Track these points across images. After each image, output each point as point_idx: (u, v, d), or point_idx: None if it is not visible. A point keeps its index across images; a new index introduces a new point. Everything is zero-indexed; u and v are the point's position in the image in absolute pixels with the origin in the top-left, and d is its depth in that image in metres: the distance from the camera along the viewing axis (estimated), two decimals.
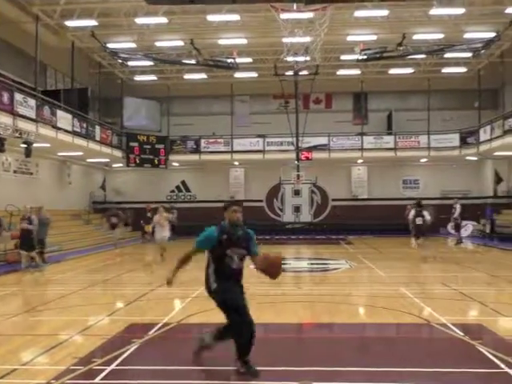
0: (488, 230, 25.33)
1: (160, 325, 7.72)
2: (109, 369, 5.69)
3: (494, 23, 22.25)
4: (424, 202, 29.23)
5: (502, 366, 5.66)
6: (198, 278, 13.09)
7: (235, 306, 5.65)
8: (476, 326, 7.83)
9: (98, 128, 25.13)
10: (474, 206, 26.81)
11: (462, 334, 7.05)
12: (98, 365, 5.82)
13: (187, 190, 32.40)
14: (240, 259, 5.74)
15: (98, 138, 24.78)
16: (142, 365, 6.00)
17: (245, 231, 5.80)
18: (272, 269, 5.81)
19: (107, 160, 28.34)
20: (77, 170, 28.30)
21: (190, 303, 9.70)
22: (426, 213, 17.43)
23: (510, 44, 25.18)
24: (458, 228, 23.85)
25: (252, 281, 12.87)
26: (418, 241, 17.62)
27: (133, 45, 24.69)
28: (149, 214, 24.45)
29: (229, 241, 5.62)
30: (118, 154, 27.77)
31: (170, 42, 24.70)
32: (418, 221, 17.07)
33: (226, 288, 5.68)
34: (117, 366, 5.83)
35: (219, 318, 8.46)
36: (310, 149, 27.76)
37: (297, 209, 31.88)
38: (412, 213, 17.68)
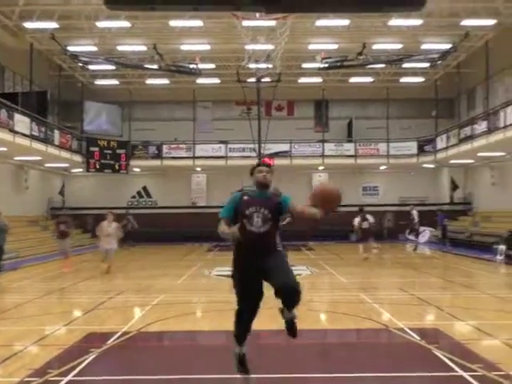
0: (440, 236, 26.03)
1: (119, 334, 7.59)
2: (65, 380, 5.55)
3: (451, 35, 22.97)
4: (383, 208, 29.97)
5: (457, 369, 5.80)
6: (155, 285, 13.02)
7: (239, 295, 5.26)
8: (432, 331, 8.00)
9: (57, 132, 24.61)
10: (431, 213, 27.44)
11: (418, 338, 7.20)
12: (54, 376, 5.66)
13: (148, 195, 32.06)
14: (263, 221, 4.95)
15: (57, 143, 24.25)
16: (100, 375, 5.88)
17: (275, 193, 5.12)
18: (328, 204, 4.99)
19: (66, 165, 27.77)
20: (34, 175, 27.60)
21: (149, 311, 9.58)
22: (369, 216, 18.82)
23: (466, 55, 26.06)
24: (416, 234, 24.44)
25: (209, 288, 12.88)
26: (374, 245, 19.16)
27: (94, 48, 24.34)
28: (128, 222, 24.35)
29: (250, 200, 5.03)
30: (78, 158, 27.25)
31: (132, 47, 24.49)
32: (364, 225, 18.38)
33: (237, 276, 5.18)
34: (74, 376, 5.69)
35: (180, 325, 8.43)
36: (272, 155, 27.90)
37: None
38: (357, 219, 18.79)
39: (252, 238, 4.94)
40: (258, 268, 4.98)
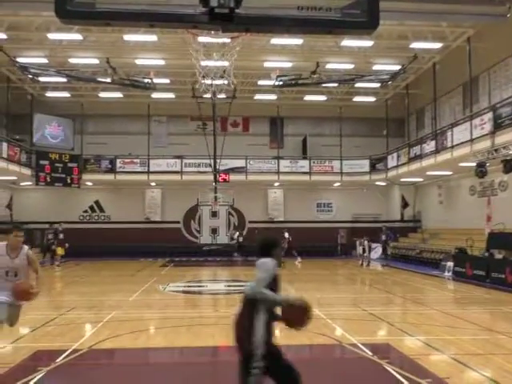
0: (381, 252, 26.85)
1: (69, 351, 7.37)
2: None
3: (400, 57, 23.78)
4: (337, 224, 30.81)
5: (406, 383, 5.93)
6: (107, 301, 12.72)
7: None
8: (384, 346, 8.15)
9: (5, 144, 23.85)
10: (379, 229, 28.01)
11: (370, 353, 7.32)
12: None
13: (101, 210, 31.45)
14: None
15: (4, 155, 23.50)
16: None
17: None
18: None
19: (14, 178, 26.93)
20: None
21: (101, 328, 9.35)
22: (286, 233, 23.66)
23: (415, 77, 27.00)
24: (368, 250, 25.32)
25: (163, 304, 12.71)
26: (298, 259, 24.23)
27: (45, 60, 23.82)
28: (61, 236, 23.64)
29: None
30: (27, 171, 26.46)
31: (85, 60, 24.10)
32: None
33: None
34: None
35: (133, 342, 8.27)
36: (228, 171, 27.95)
37: (214, 230, 31.86)
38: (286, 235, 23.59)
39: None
40: None
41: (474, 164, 18.46)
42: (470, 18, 17.34)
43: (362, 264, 24.55)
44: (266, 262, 4.24)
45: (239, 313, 4.29)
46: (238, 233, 29.91)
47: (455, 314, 10.88)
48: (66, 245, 23.59)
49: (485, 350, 7.62)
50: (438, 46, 22.64)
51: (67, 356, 7.15)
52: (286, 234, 24.33)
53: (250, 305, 4.20)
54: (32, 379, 6.05)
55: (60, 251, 23.36)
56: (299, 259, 24.78)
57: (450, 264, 19.43)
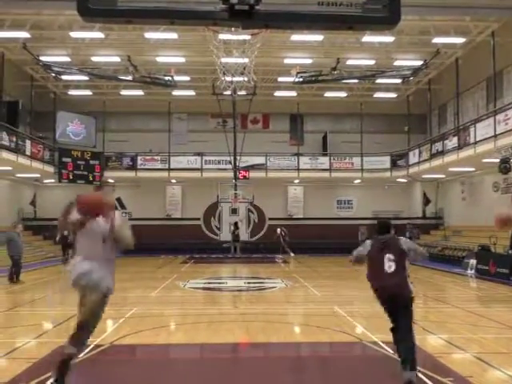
0: None
1: (91, 346, 7.45)
2: None
3: (422, 52, 23.50)
4: (357, 221, 30.67)
5: (429, 383, 5.86)
6: (128, 298, 12.87)
7: None
8: None
9: (28, 142, 24.23)
10: (403, 226, 27.77)
11: (391, 352, 7.25)
12: None
13: (122, 207, 31.72)
14: None
15: (28, 153, 23.87)
16: None
17: None
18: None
19: (38, 175, 27.35)
20: (4, 186, 27.07)
21: (123, 324, 9.44)
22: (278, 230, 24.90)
23: (437, 72, 26.65)
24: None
25: (183, 301, 12.79)
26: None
27: (67, 58, 24.14)
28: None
29: None
30: (50, 169, 26.84)
31: (107, 58, 24.35)
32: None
33: None
34: None
35: (153, 339, 8.34)
36: (248, 168, 27.99)
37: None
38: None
39: None
40: None
41: (498, 160, 18.17)
42: (494, 11, 17.10)
43: None
44: (408, 241, 6.29)
45: (396, 270, 5.89)
46: (282, 229, 28.61)
47: (478, 312, 10.74)
48: None
49: (508, 349, 7.50)
50: (461, 41, 22.29)
51: (89, 351, 7.22)
52: (278, 230, 24.88)
53: (405, 264, 5.95)
54: None
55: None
56: (292, 255, 26.28)
57: (473, 262, 19.15)
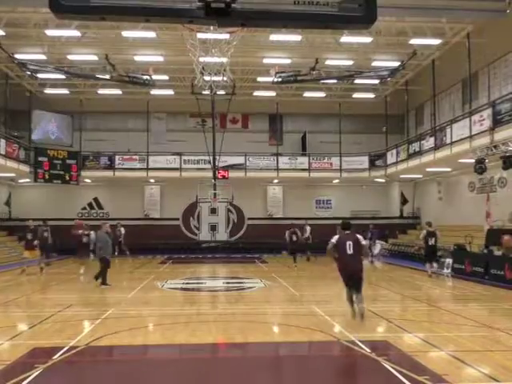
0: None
1: (66, 348, 7.35)
2: None
3: (399, 53, 23.70)
4: (336, 221, 30.35)
5: (405, 381, 5.90)
6: (105, 299, 12.71)
7: None
8: (382, 343, 8.11)
9: (3, 141, 23.79)
10: (381, 226, 28.01)
11: (369, 350, 7.30)
12: None
13: (100, 207, 31.42)
14: None
15: (3, 152, 23.45)
16: None
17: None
18: None
19: (13, 175, 26.90)
20: None
21: (99, 325, 9.33)
22: (298, 231, 21.98)
23: (414, 73, 26.94)
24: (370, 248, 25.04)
25: (161, 301, 12.69)
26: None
27: (43, 57, 23.73)
28: (80, 232, 22.21)
29: None
30: (26, 168, 26.37)
31: (84, 56, 24.05)
32: (294, 238, 21.43)
33: None
34: None
35: (130, 340, 8.25)
36: (227, 168, 27.92)
37: (213, 227, 31.85)
38: (287, 233, 21.80)
39: None
40: None
41: (474, 160, 18.43)
42: (470, 13, 17.28)
43: (371, 261, 24.20)
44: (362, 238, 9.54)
45: (355, 254, 9.23)
46: (309, 227, 26.03)
47: (454, 311, 10.87)
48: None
49: (483, 347, 7.61)
50: (438, 42, 22.54)
51: (64, 353, 7.12)
52: (299, 232, 22.19)
53: (361, 250, 9.32)
54: (29, 376, 6.03)
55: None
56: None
57: (449, 261, 19.40)
